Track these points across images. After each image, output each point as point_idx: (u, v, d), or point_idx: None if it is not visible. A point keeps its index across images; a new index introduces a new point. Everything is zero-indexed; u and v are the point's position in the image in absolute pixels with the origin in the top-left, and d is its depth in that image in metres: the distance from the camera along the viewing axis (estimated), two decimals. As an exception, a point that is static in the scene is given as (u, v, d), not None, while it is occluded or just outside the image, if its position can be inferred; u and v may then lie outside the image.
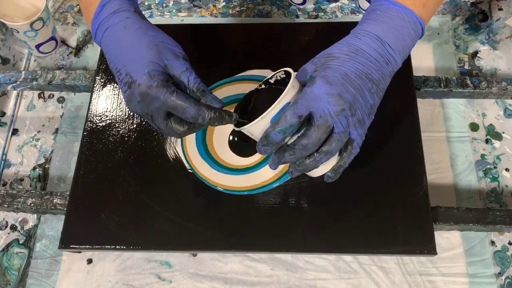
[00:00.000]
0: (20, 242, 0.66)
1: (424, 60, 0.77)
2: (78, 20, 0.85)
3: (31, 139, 0.74)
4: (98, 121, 0.65)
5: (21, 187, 0.70)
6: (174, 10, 0.85)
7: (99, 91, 0.68)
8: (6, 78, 0.72)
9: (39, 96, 0.78)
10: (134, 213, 0.59)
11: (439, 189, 0.66)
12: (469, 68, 0.77)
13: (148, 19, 0.52)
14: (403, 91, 0.64)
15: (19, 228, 0.67)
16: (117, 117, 0.66)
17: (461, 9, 0.82)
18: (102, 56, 0.71)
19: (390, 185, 0.59)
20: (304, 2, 0.82)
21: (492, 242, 0.63)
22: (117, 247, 0.57)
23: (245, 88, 0.54)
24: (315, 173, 0.53)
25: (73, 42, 0.82)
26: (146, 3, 0.85)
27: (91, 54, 0.81)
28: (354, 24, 0.52)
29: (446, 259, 0.62)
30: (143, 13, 0.62)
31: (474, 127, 0.71)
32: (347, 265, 0.62)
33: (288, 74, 0.50)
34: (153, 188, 0.61)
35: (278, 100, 0.47)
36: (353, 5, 0.83)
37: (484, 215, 0.59)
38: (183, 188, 0.60)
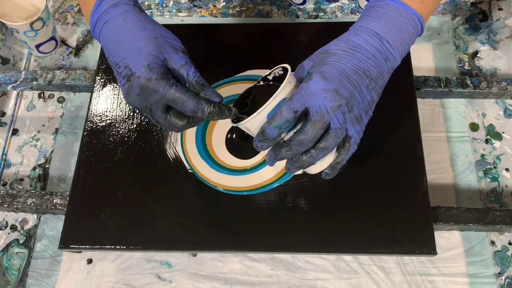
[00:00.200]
0: (20, 242, 0.66)
1: (424, 60, 0.77)
2: (78, 20, 0.85)
3: (31, 139, 0.74)
4: (98, 121, 0.65)
5: (21, 187, 0.70)
6: (174, 10, 0.85)
7: (99, 91, 0.68)
8: (6, 78, 0.72)
9: (39, 96, 0.78)
10: (134, 213, 0.59)
11: (439, 189, 0.66)
12: (469, 68, 0.77)
13: (148, 18, 0.52)
14: (403, 91, 0.64)
15: (19, 228, 0.67)
16: (117, 117, 0.66)
17: (461, 9, 0.82)
18: (102, 56, 0.71)
19: (390, 185, 0.59)
20: (304, 2, 0.82)
21: (492, 242, 0.63)
22: (117, 247, 0.57)
23: (245, 88, 0.54)
24: (313, 170, 0.53)
25: (73, 42, 0.82)
26: (146, 3, 0.85)
27: (91, 54, 0.81)
28: (354, 24, 0.52)
29: (446, 259, 0.62)
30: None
31: (474, 127, 0.71)
32: (347, 265, 0.62)
33: (285, 71, 0.50)
34: (153, 188, 0.61)
35: (274, 96, 0.47)
36: (353, 5, 0.83)
37: (484, 215, 0.60)
38: (183, 188, 0.60)
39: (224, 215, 0.59)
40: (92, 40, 0.82)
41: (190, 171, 0.62)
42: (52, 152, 0.72)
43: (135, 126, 0.65)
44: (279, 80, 0.49)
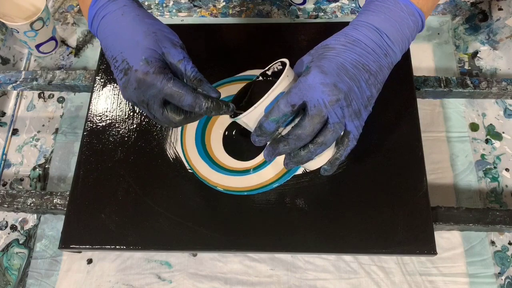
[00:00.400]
0: (20, 242, 0.66)
1: (424, 60, 0.77)
2: (78, 20, 0.85)
3: (31, 139, 0.74)
4: (98, 121, 0.65)
5: (21, 187, 0.70)
6: (174, 10, 0.85)
7: (99, 91, 0.68)
8: (6, 78, 0.72)
9: (39, 96, 0.78)
10: (134, 213, 0.59)
11: (439, 189, 0.66)
12: (469, 68, 0.77)
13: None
14: (403, 91, 0.64)
15: (19, 228, 0.67)
16: (117, 117, 0.66)
17: (461, 9, 0.82)
18: (102, 56, 0.71)
19: (390, 185, 0.59)
20: (304, 2, 0.82)
21: (492, 242, 0.63)
22: (117, 247, 0.57)
23: (245, 88, 0.54)
24: (312, 166, 0.53)
25: (73, 42, 0.82)
26: (146, 3, 0.86)
27: (91, 54, 0.81)
28: (354, 24, 0.52)
29: (446, 259, 0.62)
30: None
31: (474, 127, 0.71)
32: (347, 265, 0.62)
33: (284, 65, 0.49)
34: (153, 188, 0.61)
35: (271, 90, 0.46)
36: (353, 5, 0.83)
37: (484, 215, 0.59)
38: (183, 188, 0.60)
39: (224, 215, 0.59)
40: (92, 40, 0.82)
41: (190, 171, 0.62)
42: (52, 152, 0.72)
43: (135, 126, 0.65)
44: (278, 75, 0.49)
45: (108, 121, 0.65)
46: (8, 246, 0.66)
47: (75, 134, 0.73)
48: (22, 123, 0.76)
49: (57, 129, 0.74)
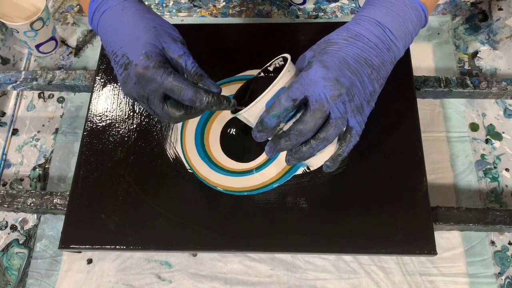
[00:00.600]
0: (20, 242, 0.66)
1: (424, 60, 0.77)
2: (78, 20, 0.85)
3: (31, 139, 0.74)
4: (98, 121, 0.65)
5: (21, 187, 0.70)
6: (174, 10, 0.85)
7: (99, 91, 0.68)
8: (6, 78, 0.72)
9: (39, 96, 0.78)
10: (134, 213, 0.59)
11: (439, 189, 0.66)
12: (469, 68, 0.77)
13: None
14: (403, 91, 0.64)
15: (19, 228, 0.67)
16: (117, 117, 0.66)
17: (461, 9, 0.82)
18: (102, 56, 0.71)
19: (390, 185, 0.59)
20: (304, 2, 0.82)
21: (492, 242, 0.63)
22: (117, 247, 0.57)
23: (245, 87, 0.54)
24: (313, 163, 0.53)
25: (73, 42, 0.82)
26: (146, 3, 0.85)
27: (91, 54, 0.81)
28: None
29: (446, 259, 0.62)
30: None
31: (474, 127, 0.71)
32: (347, 265, 0.62)
33: (286, 61, 0.49)
34: (153, 188, 0.61)
35: (272, 85, 0.46)
36: (353, 5, 0.83)
37: (484, 215, 0.59)
38: (183, 188, 0.60)
39: (224, 215, 0.59)
40: (92, 40, 0.82)
41: (190, 171, 0.62)
42: (52, 152, 0.72)
43: (135, 126, 0.65)
44: (279, 70, 0.49)
45: (108, 121, 0.65)
46: (8, 246, 0.66)
47: (75, 134, 0.73)
48: (22, 123, 0.76)
49: (57, 129, 0.74)
